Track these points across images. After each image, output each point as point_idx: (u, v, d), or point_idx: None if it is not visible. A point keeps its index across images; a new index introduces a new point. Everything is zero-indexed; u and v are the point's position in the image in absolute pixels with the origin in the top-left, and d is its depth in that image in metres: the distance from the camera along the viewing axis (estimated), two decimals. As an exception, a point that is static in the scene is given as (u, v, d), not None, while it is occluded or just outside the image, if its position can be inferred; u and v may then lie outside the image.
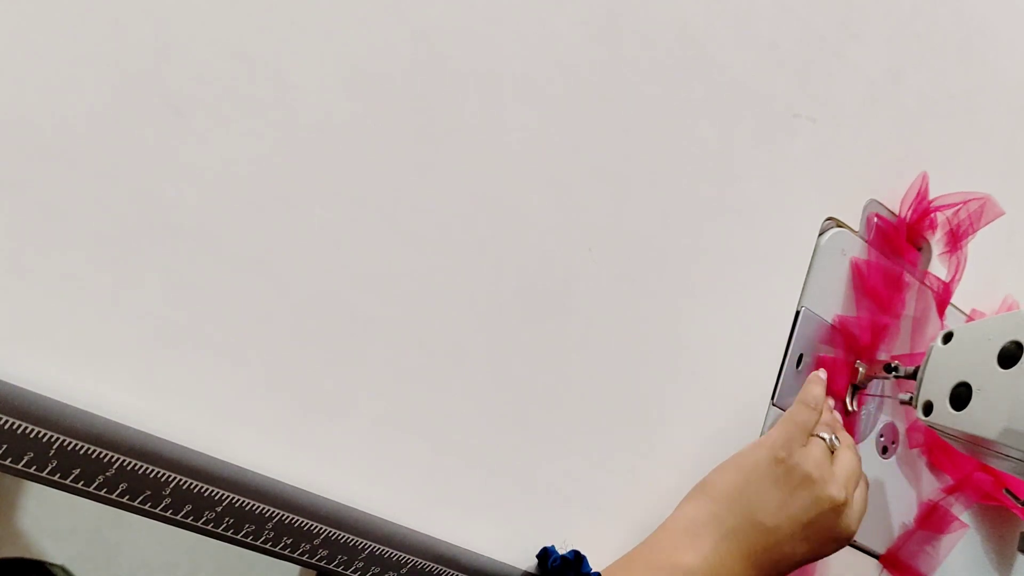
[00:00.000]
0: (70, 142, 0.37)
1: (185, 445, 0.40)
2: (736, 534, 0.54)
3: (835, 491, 0.56)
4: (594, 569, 0.51)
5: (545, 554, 0.52)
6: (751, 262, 0.61)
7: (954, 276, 0.70)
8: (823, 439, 0.58)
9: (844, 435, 0.60)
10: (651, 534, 0.55)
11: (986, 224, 0.69)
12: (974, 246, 0.76)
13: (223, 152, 0.41)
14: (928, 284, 0.70)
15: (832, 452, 0.58)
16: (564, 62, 0.51)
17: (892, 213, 0.68)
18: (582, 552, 0.51)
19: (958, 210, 0.69)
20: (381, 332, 0.46)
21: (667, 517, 0.55)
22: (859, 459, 0.60)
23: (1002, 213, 0.69)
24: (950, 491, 0.72)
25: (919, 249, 0.71)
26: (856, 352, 0.65)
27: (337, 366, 0.45)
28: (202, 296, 0.41)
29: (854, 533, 0.58)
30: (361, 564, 0.46)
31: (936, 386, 0.57)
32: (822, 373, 0.62)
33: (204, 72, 0.40)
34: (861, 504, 0.59)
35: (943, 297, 0.70)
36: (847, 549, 0.68)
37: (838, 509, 0.56)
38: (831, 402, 0.63)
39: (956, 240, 0.70)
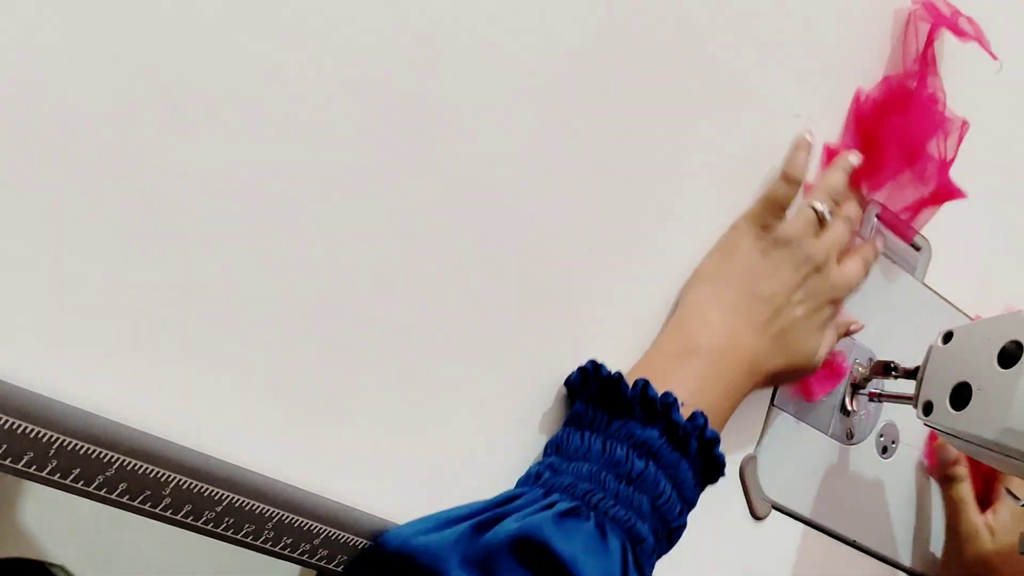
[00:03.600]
0: (69, 142, 0.37)
1: (185, 445, 0.40)
2: (738, 307, 0.55)
3: (814, 250, 0.57)
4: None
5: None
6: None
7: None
8: (814, 209, 0.58)
9: (849, 206, 0.61)
10: (661, 331, 0.56)
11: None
12: (974, 247, 0.76)
13: (223, 152, 0.41)
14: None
15: (823, 223, 0.58)
16: (564, 61, 0.51)
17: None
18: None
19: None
20: (382, 331, 0.46)
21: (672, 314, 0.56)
22: (849, 230, 0.60)
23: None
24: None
25: (918, 249, 0.71)
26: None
27: (337, 366, 0.45)
28: (202, 296, 0.41)
29: (849, 285, 0.59)
30: (361, 564, 0.46)
31: (936, 386, 0.57)
32: (808, 135, 0.60)
33: (203, 71, 0.40)
34: (855, 268, 0.60)
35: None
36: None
37: (821, 269, 0.57)
38: (835, 177, 0.61)
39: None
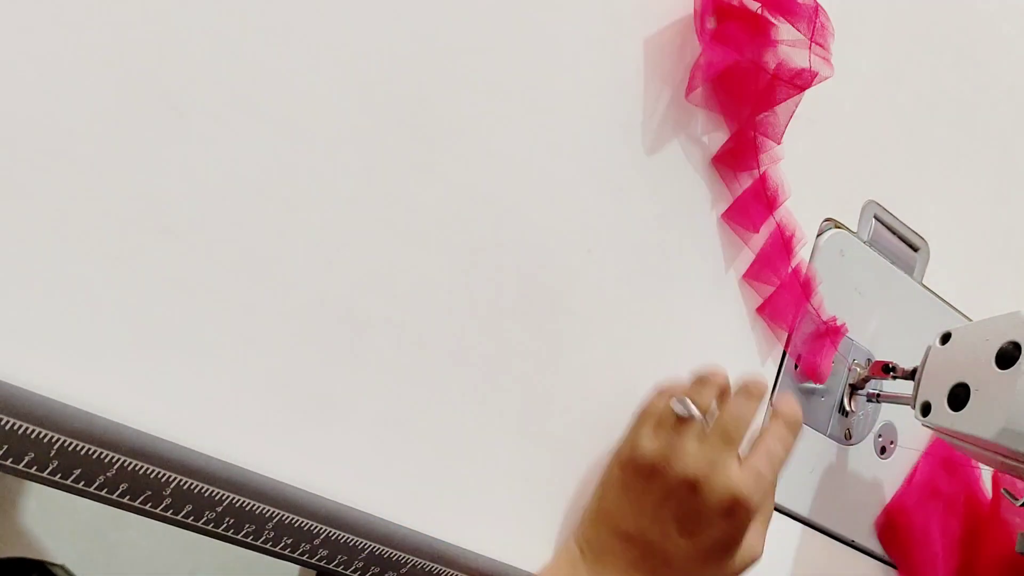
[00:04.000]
0: (70, 142, 0.37)
1: (185, 445, 0.40)
2: (610, 553, 0.51)
3: (681, 467, 0.49)
4: None
5: None
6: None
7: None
8: (681, 414, 0.51)
9: (733, 409, 0.51)
10: None
11: None
12: (972, 247, 0.76)
13: (223, 153, 0.41)
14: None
15: (684, 426, 0.51)
16: (577, 69, 0.51)
17: None
18: None
19: None
20: (381, 332, 0.46)
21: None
22: (742, 415, 0.51)
23: None
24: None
25: (916, 250, 0.71)
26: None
27: (337, 366, 0.45)
28: (202, 296, 0.41)
29: (735, 497, 0.49)
30: (361, 564, 0.47)
31: (934, 386, 0.57)
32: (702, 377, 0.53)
33: (204, 73, 0.40)
34: (757, 465, 0.50)
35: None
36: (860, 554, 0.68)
37: (695, 487, 0.49)
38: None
39: None
